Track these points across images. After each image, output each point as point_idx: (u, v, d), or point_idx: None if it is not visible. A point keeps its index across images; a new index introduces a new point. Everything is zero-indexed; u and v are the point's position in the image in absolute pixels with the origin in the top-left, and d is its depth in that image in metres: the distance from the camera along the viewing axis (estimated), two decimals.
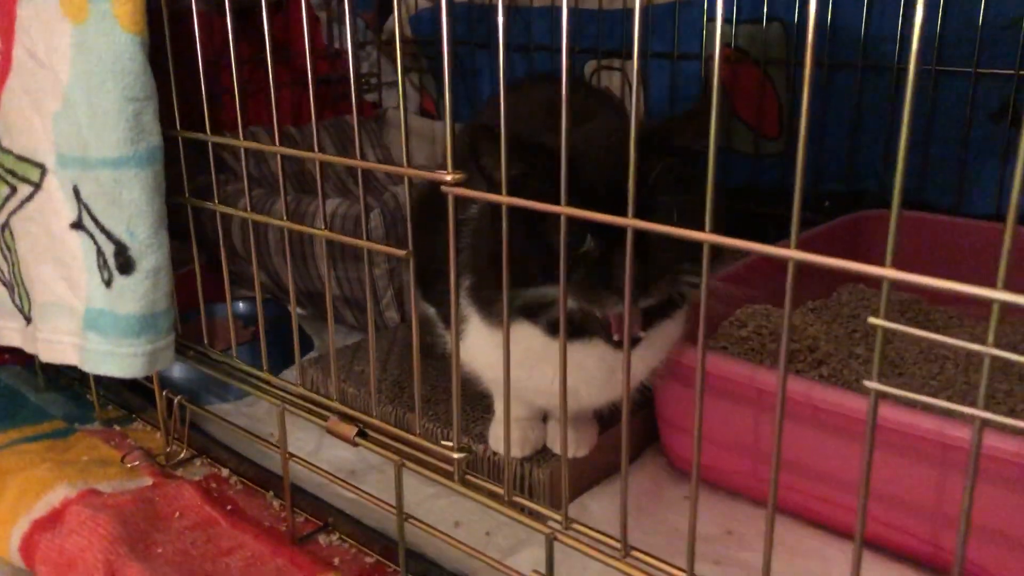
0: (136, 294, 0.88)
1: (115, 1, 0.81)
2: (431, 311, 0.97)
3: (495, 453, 0.92)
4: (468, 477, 0.75)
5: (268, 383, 0.91)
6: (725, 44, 1.47)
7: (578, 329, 0.73)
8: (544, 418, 0.95)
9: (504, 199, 0.64)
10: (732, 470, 0.92)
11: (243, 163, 0.93)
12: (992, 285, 0.46)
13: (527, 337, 0.76)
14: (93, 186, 0.87)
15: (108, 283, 0.89)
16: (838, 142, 1.39)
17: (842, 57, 1.36)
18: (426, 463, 0.77)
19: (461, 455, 0.74)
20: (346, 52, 1.87)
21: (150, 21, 0.85)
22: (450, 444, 0.74)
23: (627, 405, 0.65)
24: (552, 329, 0.74)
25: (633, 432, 0.98)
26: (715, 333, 1.08)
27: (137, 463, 1.01)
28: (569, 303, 0.69)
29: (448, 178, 0.66)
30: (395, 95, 1.90)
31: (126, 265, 0.87)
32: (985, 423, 0.48)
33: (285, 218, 0.85)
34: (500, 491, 0.72)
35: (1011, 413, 0.96)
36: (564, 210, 0.61)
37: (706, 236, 0.55)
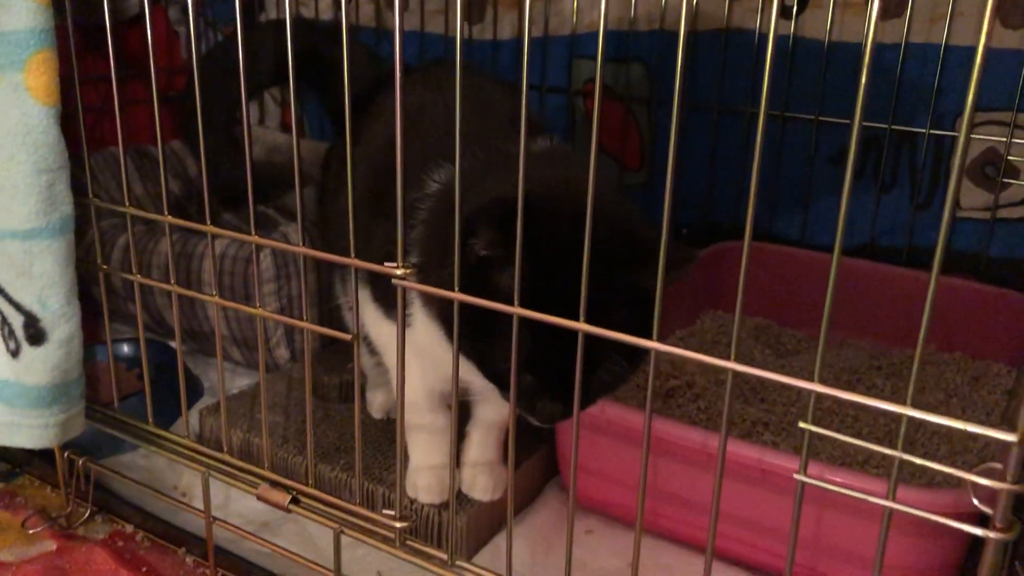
0: (48, 365, 0.86)
1: (29, 73, 0.79)
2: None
3: (413, 501, 0.96)
4: (409, 543, 0.79)
5: (190, 448, 0.91)
6: (590, 80, 1.55)
7: None
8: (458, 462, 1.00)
9: (457, 295, 0.68)
10: (631, 505, 1.01)
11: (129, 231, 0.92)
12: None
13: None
14: None
15: (15, 354, 0.87)
16: (696, 176, 1.50)
17: (700, 100, 1.47)
18: (364, 528, 0.81)
19: (403, 525, 0.78)
20: None
21: None
22: (392, 513, 0.78)
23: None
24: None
25: (534, 467, 1.06)
26: None
27: (40, 528, 0.99)
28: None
29: (398, 272, 0.70)
30: (256, 110, 1.88)
31: (37, 336, 0.85)
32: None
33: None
34: (443, 556, 0.77)
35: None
36: (518, 311, 0.66)
37: (654, 343, 0.62)
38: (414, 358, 0.90)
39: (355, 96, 0.72)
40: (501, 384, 0.77)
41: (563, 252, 0.69)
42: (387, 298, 0.87)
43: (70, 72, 0.86)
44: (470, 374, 0.79)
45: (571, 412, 0.71)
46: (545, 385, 0.74)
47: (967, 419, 1.10)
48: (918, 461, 0.54)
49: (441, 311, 0.79)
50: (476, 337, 0.73)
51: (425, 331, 0.83)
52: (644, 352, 0.73)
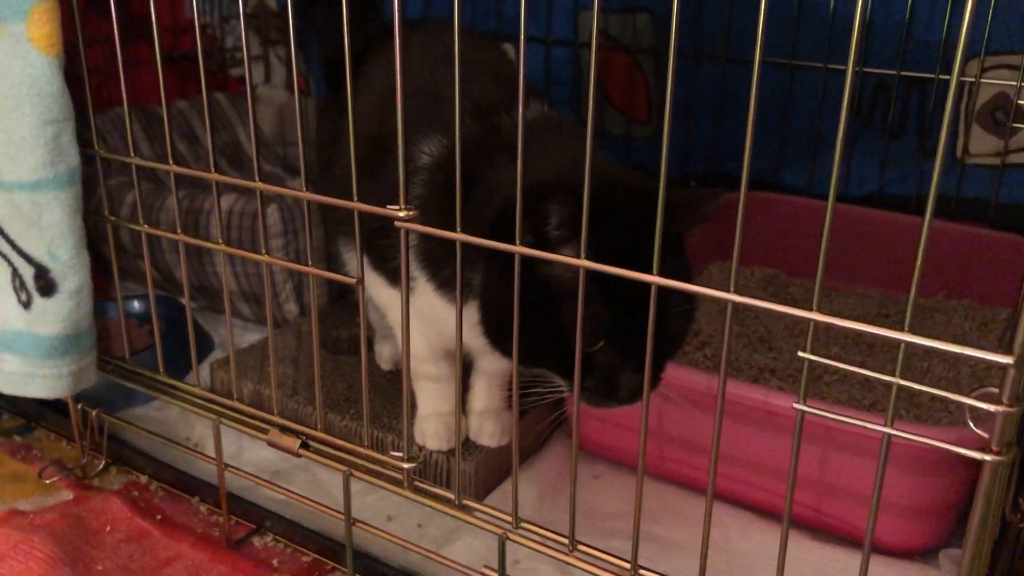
0: (59, 316, 0.87)
1: (32, 24, 0.79)
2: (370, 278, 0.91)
3: (422, 448, 0.97)
4: (417, 483, 0.80)
5: (201, 397, 0.92)
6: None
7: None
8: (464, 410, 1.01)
9: (459, 236, 0.68)
10: (637, 450, 1.01)
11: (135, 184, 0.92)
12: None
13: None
14: (8, 209, 0.85)
15: (26, 305, 0.88)
16: (703, 127, 1.49)
17: (708, 48, 1.46)
18: (373, 471, 0.82)
19: (411, 465, 0.79)
20: (209, 26, 1.82)
21: None
22: (399, 455, 0.79)
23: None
24: None
25: (542, 414, 1.06)
26: None
27: (56, 478, 1.01)
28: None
29: (401, 214, 0.70)
30: (261, 70, 1.87)
31: (47, 287, 0.87)
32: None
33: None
34: (450, 496, 0.78)
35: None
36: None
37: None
38: (417, 321, 0.91)
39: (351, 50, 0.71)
40: (569, 369, 0.70)
41: (619, 223, 0.70)
42: (385, 266, 0.88)
43: (74, 31, 0.86)
44: (471, 337, 0.78)
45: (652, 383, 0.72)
46: (627, 358, 0.74)
47: (973, 364, 1.11)
48: (915, 386, 0.54)
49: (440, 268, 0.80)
50: (533, 329, 0.71)
51: (427, 300, 0.84)
52: (695, 306, 0.76)
